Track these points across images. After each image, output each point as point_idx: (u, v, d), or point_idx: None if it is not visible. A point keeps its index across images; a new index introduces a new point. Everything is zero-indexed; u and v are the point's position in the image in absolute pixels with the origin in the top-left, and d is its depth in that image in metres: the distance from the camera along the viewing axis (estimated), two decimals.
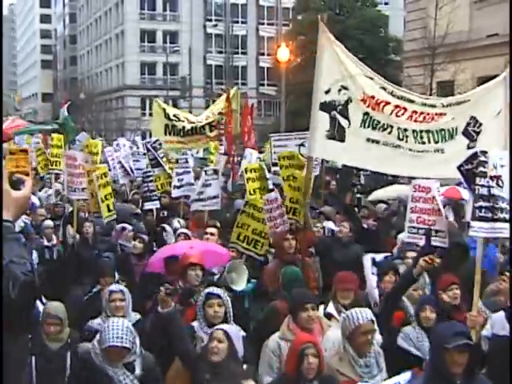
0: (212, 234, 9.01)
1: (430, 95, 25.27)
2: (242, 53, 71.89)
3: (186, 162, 13.11)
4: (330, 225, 10.85)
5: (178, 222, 11.22)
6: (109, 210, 10.40)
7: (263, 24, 72.44)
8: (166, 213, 12.02)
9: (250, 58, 72.25)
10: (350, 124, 7.88)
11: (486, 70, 21.47)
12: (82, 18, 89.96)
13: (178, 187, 12.43)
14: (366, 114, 7.84)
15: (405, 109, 7.80)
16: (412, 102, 7.86)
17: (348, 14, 48.23)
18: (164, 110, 15.45)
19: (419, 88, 24.42)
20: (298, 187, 8.99)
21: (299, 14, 52.41)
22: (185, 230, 9.64)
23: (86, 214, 11.57)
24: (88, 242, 9.98)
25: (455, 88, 25.21)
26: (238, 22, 70.99)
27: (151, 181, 12.31)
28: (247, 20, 72.30)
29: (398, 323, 6.26)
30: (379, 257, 7.87)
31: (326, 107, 7.86)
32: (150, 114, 67.80)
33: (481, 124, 7.80)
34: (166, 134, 15.18)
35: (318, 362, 4.98)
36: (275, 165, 13.06)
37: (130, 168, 15.35)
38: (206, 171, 11.70)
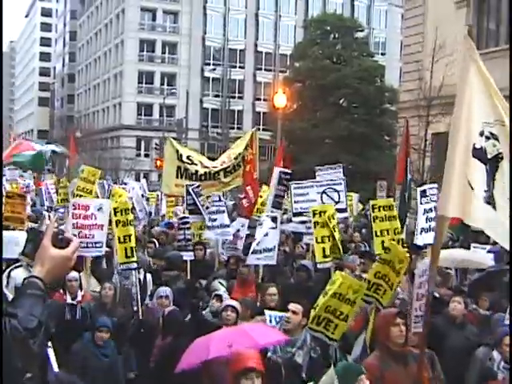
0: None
1: (425, 146, 25.33)
2: (239, 97, 72.47)
3: (220, 200, 11.68)
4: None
5: (221, 283, 9.17)
6: (127, 256, 8.76)
7: (261, 69, 73.22)
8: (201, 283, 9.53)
9: (247, 103, 72.81)
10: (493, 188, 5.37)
11: None
12: (82, 57, 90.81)
13: (210, 228, 11.04)
14: None
15: None
16: None
17: (345, 63, 48.72)
18: (177, 150, 14.05)
19: (414, 139, 24.47)
20: (389, 261, 7.12)
21: (297, 62, 53.01)
22: (233, 303, 7.48)
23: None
24: (105, 308, 8.40)
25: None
26: (235, 67, 71.79)
27: (188, 228, 10.55)
28: (245, 65, 73.09)
29: None
30: None
31: (481, 155, 5.26)
32: (146, 155, 68.11)
33: None
34: (177, 176, 13.79)
35: None
36: (297, 215, 11.61)
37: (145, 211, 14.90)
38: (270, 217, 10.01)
